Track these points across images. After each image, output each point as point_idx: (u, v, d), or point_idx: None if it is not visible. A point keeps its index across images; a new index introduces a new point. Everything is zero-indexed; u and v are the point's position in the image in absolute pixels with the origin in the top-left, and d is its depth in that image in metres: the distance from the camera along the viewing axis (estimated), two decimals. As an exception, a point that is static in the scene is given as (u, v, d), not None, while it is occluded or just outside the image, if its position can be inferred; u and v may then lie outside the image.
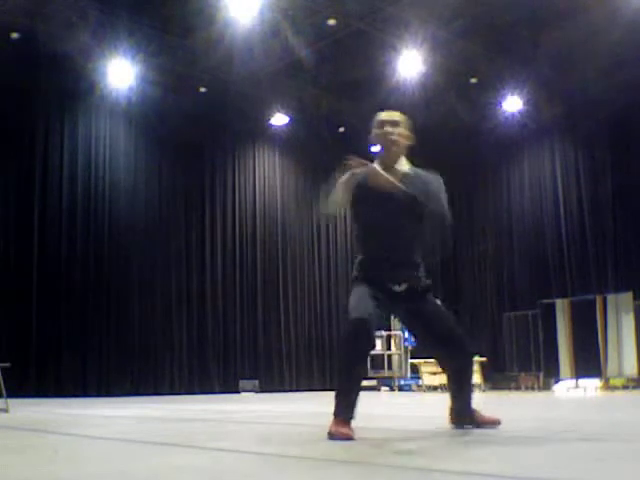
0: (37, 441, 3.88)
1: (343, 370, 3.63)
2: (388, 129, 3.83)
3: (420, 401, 10.07)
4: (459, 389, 3.88)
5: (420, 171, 3.88)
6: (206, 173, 15.44)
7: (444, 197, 3.80)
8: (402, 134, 3.87)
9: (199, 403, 9.33)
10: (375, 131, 3.90)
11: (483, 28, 12.27)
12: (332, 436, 3.34)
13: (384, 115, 3.92)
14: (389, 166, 3.81)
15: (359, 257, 3.89)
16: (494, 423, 3.82)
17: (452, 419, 3.90)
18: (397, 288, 3.72)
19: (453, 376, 3.89)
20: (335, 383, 3.69)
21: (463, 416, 3.85)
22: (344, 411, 3.45)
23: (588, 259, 15.43)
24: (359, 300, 3.64)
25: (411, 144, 3.91)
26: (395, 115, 3.92)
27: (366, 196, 3.74)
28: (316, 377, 16.47)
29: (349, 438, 3.29)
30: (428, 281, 3.86)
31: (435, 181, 3.84)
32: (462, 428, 3.82)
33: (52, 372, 12.17)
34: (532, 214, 16.71)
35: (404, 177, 3.76)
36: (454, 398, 3.89)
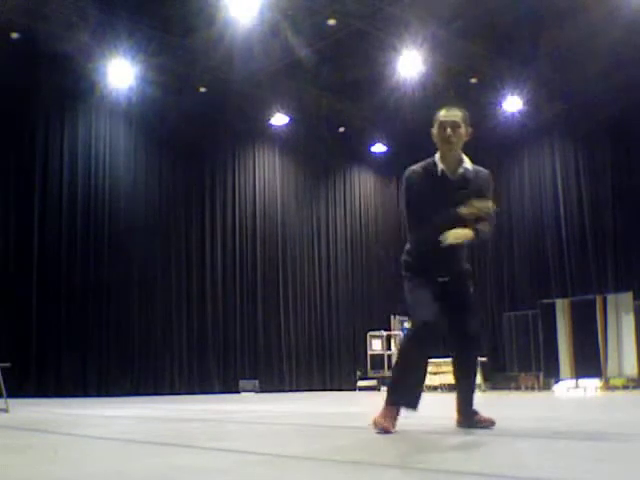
0: (37, 441, 3.88)
1: (400, 366, 3.85)
2: (449, 132, 3.83)
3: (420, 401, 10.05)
4: (463, 387, 3.92)
5: (477, 169, 3.95)
6: (206, 173, 15.44)
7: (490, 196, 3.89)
8: (461, 135, 3.87)
9: (199, 403, 9.32)
10: (436, 130, 3.90)
11: (483, 28, 12.26)
12: (375, 425, 3.64)
13: (444, 115, 3.89)
14: (449, 164, 3.87)
15: (412, 246, 3.97)
16: (490, 423, 3.82)
17: (459, 420, 3.92)
18: (442, 279, 3.86)
19: (461, 375, 3.94)
20: (393, 375, 3.98)
21: (468, 416, 3.88)
22: (391, 405, 3.72)
23: (588, 259, 15.43)
24: (425, 299, 3.76)
25: (468, 139, 3.93)
26: (455, 115, 3.88)
27: (424, 194, 3.82)
28: (316, 377, 16.47)
29: (387, 431, 3.57)
30: (467, 267, 4.00)
31: (486, 181, 3.93)
32: (466, 428, 3.83)
33: (52, 372, 12.17)
34: (532, 214, 16.71)
35: (463, 177, 3.86)
36: (461, 398, 3.92)
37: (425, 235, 3.83)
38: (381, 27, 12.29)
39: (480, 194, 3.78)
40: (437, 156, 3.90)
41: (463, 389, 3.93)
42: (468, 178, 3.86)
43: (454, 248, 3.76)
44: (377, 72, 13.64)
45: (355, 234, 18.25)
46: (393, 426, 3.65)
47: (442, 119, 3.87)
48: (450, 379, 13.92)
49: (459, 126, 3.85)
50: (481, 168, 3.97)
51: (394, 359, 16.13)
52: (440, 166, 3.85)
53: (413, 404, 3.80)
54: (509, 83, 14.44)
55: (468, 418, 3.86)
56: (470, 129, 3.92)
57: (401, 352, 3.94)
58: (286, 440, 3.67)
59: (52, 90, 12.83)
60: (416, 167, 3.90)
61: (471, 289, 4.00)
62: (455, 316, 3.90)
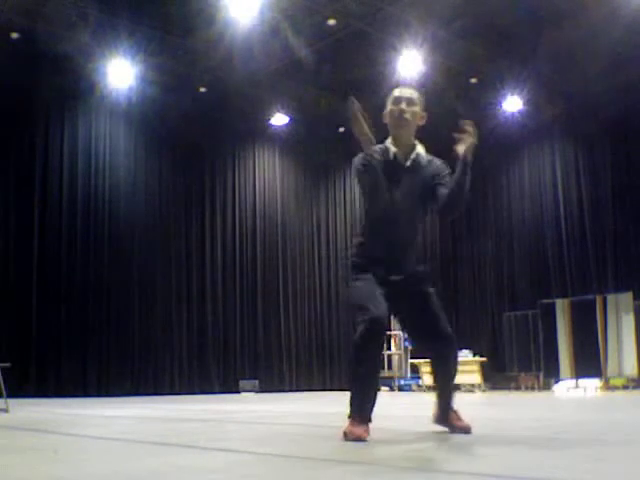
0: (37, 441, 3.88)
1: (356, 371, 3.46)
2: (403, 107, 3.60)
3: (420, 401, 10.06)
4: (441, 387, 3.75)
5: (430, 158, 3.71)
6: (206, 173, 15.44)
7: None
8: (416, 113, 3.65)
9: (199, 403, 9.32)
10: (389, 107, 3.66)
11: (483, 28, 12.26)
12: (346, 436, 3.32)
13: (399, 91, 3.68)
14: (402, 148, 3.63)
15: (359, 240, 3.72)
16: (466, 430, 3.58)
17: (434, 417, 3.80)
18: (395, 278, 3.56)
19: (436, 372, 3.76)
20: (348, 384, 3.56)
21: (444, 415, 3.73)
22: (358, 412, 3.42)
23: (588, 259, 15.43)
24: (370, 294, 3.45)
25: (423, 124, 3.70)
26: (411, 92, 3.68)
27: (376, 182, 3.53)
28: (316, 377, 16.48)
29: (361, 439, 3.26)
30: (423, 269, 3.72)
31: (441, 168, 3.67)
32: (441, 426, 3.72)
33: (52, 372, 12.17)
34: (532, 214, 16.70)
35: (416, 158, 3.63)
36: (437, 396, 3.78)
37: (377, 226, 3.59)
38: (381, 27, 12.29)
39: (431, 183, 3.57)
40: (388, 140, 3.65)
41: (441, 390, 3.75)
42: (421, 165, 3.62)
43: (405, 246, 3.62)
44: (377, 72, 13.63)
45: (355, 234, 18.22)
46: (366, 432, 3.35)
47: (396, 94, 3.65)
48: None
49: (415, 104, 3.64)
50: (435, 158, 3.72)
51: (394, 359, 15.97)
52: (392, 149, 3.61)
53: (366, 414, 3.46)
54: (509, 83, 14.44)
55: (444, 416, 3.70)
56: (425, 113, 3.69)
57: (352, 355, 3.51)
58: (286, 440, 3.67)
59: (52, 90, 12.83)
60: (367, 151, 3.50)
61: (431, 289, 3.68)
62: (421, 318, 3.65)
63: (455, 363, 3.73)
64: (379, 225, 3.63)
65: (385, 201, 3.55)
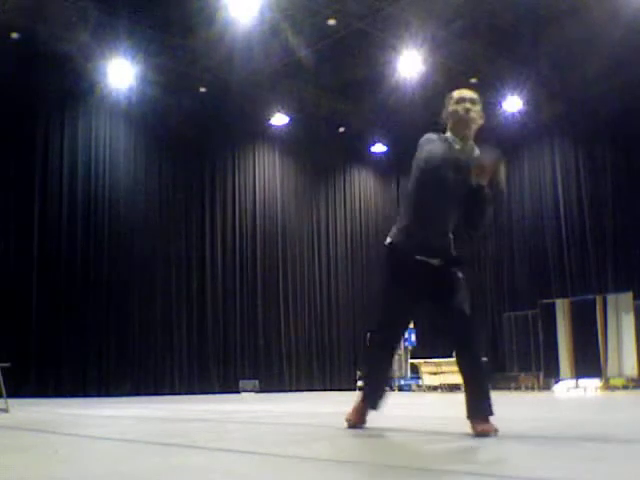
0: (37, 441, 3.88)
1: (364, 366, 4.30)
2: (468, 105, 3.68)
3: (420, 401, 10.06)
4: (465, 384, 3.68)
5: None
6: (206, 173, 15.44)
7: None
8: (479, 113, 3.75)
9: (199, 403, 9.32)
10: (453, 107, 3.72)
11: (483, 28, 12.27)
12: (346, 420, 3.95)
13: (463, 92, 3.77)
14: (464, 144, 3.70)
15: (404, 224, 3.80)
16: (487, 432, 3.46)
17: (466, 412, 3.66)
18: (435, 262, 3.71)
19: (462, 374, 3.71)
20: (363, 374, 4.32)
21: (472, 413, 3.58)
22: (364, 399, 3.95)
23: (588, 259, 15.43)
24: (391, 315, 3.92)
25: (482, 123, 3.79)
26: (473, 93, 3.79)
27: (439, 172, 3.64)
28: (316, 377, 16.47)
29: (354, 426, 3.86)
30: (459, 256, 3.83)
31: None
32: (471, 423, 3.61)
33: (52, 372, 12.17)
34: (532, 214, 16.71)
35: (474, 158, 3.69)
36: (465, 398, 3.66)
37: (427, 214, 3.69)
38: (381, 27, 12.30)
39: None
40: (449, 134, 3.74)
41: (465, 389, 3.67)
42: (473, 161, 3.70)
43: (446, 234, 3.72)
44: (377, 72, 13.64)
45: (355, 234, 18.25)
46: (362, 421, 3.88)
47: (461, 95, 3.75)
48: (450, 379, 13.94)
49: (477, 103, 3.75)
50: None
51: (394, 359, 15.97)
52: (456, 145, 3.68)
53: (373, 404, 3.94)
54: (509, 83, 14.44)
55: (470, 421, 3.56)
56: (484, 116, 3.79)
57: (365, 354, 4.20)
58: (286, 440, 3.67)
59: (52, 90, 12.83)
60: (433, 136, 3.72)
61: (461, 275, 3.78)
62: (445, 303, 3.73)
63: (479, 362, 3.68)
64: (429, 213, 3.71)
65: (441, 192, 3.64)
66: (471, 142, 3.74)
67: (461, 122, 3.69)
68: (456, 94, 3.77)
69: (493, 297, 17.31)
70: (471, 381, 3.63)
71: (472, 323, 3.72)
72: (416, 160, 3.75)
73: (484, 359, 3.89)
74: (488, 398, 3.56)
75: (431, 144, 3.70)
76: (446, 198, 3.66)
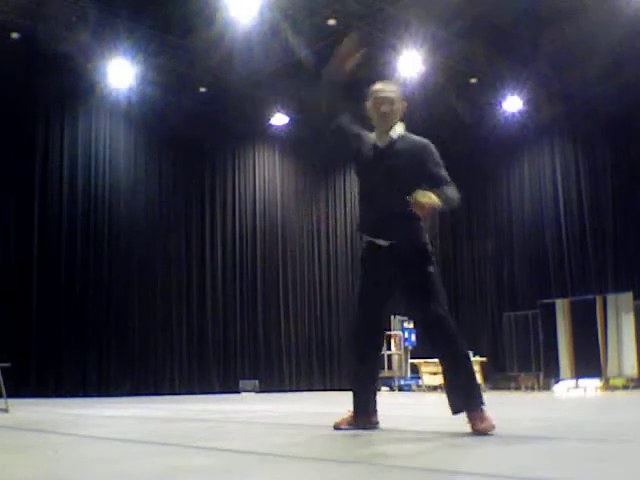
0: (37, 441, 3.88)
1: (350, 368, 4.19)
2: (383, 109, 3.90)
3: (420, 401, 10.06)
4: (447, 378, 3.77)
5: (412, 136, 4.00)
6: (206, 173, 15.44)
7: (441, 164, 3.88)
8: (396, 110, 3.95)
9: (199, 403, 9.32)
10: (370, 105, 3.96)
11: (483, 28, 12.26)
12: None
13: (379, 91, 3.96)
14: (382, 133, 3.96)
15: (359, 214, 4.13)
16: (484, 430, 3.52)
17: (450, 408, 3.77)
18: (382, 242, 3.86)
19: (442, 370, 3.82)
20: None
21: (456, 407, 3.70)
22: (353, 406, 3.97)
23: (588, 259, 15.43)
24: (361, 298, 3.96)
25: (404, 111, 4.00)
26: (391, 91, 3.96)
27: (360, 163, 4.04)
28: (316, 377, 16.47)
29: (337, 427, 3.90)
30: (422, 241, 3.87)
31: (422, 150, 3.92)
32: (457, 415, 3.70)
33: (52, 372, 12.17)
34: (532, 214, 16.71)
35: (392, 145, 3.92)
36: (445, 386, 3.82)
37: (364, 201, 3.99)
38: (381, 27, 12.29)
39: (414, 163, 3.83)
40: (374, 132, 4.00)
41: (451, 381, 3.78)
42: (399, 148, 3.91)
43: (391, 217, 3.82)
44: (377, 72, 13.61)
45: (355, 234, 18.23)
46: (347, 424, 3.92)
47: (377, 95, 3.94)
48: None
49: (393, 103, 3.93)
50: (420, 138, 3.98)
51: (394, 359, 15.94)
52: (372, 137, 3.98)
53: (363, 420, 3.94)
54: (509, 83, 14.44)
55: (467, 415, 3.63)
56: (405, 103, 3.99)
57: (349, 370, 4.20)
58: (286, 440, 3.67)
59: (52, 90, 12.82)
60: (357, 131, 4.04)
61: (429, 268, 3.80)
62: (411, 302, 3.85)
63: (460, 358, 3.72)
64: (365, 200, 4.01)
65: (368, 180, 3.98)
66: (394, 129, 3.96)
67: (379, 122, 3.95)
68: (374, 91, 3.97)
69: (493, 297, 17.31)
70: (461, 374, 3.71)
71: (446, 320, 3.73)
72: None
73: (468, 351, 3.91)
74: (479, 389, 3.72)
75: (357, 140, 4.02)
76: (376, 185, 3.91)
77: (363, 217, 4.04)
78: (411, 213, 3.67)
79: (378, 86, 3.98)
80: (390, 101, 3.93)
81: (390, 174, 3.85)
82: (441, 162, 3.89)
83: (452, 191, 3.76)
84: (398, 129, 3.98)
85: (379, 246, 3.88)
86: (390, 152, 3.91)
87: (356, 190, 4.23)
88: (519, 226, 16.95)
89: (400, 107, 3.98)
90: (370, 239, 3.93)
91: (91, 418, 6.12)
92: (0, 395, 6.58)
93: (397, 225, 3.83)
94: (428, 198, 3.52)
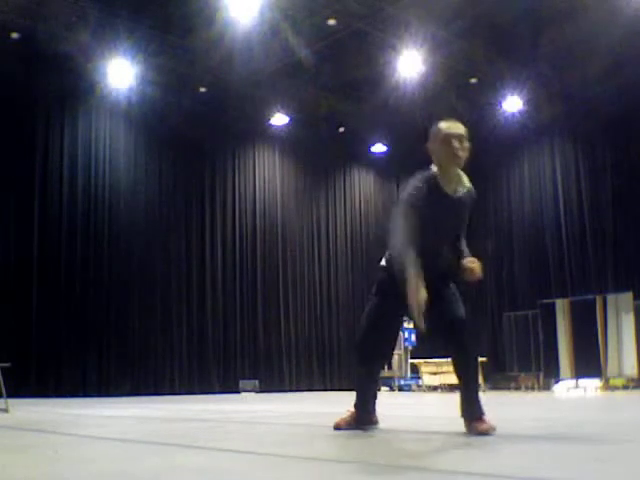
0: (37, 441, 3.88)
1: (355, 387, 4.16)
2: (456, 145, 3.62)
3: (420, 401, 10.06)
4: (461, 384, 3.78)
5: (469, 189, 3.83)
6: (206, 173, 15.44)
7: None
8: (467, 149, 3.69)
9: (199, 403, 9.32)
10: (439, 146, 3.65)
11: (483, 28, 12.26)
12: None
13: (450, 128, 3.68)
14: (451, 183, 3.71)
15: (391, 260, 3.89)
16: (487, 431, 3.55)
17: (460, 411, 3.78)
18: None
19: (456, 374, 3.82)
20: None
21: (466, 420, 3.71)
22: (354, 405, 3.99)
23: (588, 259, 15.43)
24: (372, 317, 3.95)
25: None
26: (461, 128, 3.70)
27: (432, 214, 3.65)
28: (316, 377, 16.47)
29: (337, 427, 3.91)
30: (451, 270, 3.90)
31: (473, 202, 3.89)
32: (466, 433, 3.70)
33: (52, 372, 12.17)
34: (532, 214, 16.71)
35: (460, 199, 3.77)
36: (460, 392, 3.80)
37: (406, 257, 3.52)
38: (381, 27, 12.29)
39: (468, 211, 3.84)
40: (436, 171, 3.68)
41: (460, 389, 3.80)
42: (464, 200, 3.78)
43: (435, 254, 3.77)
44: (377, 72, 13.63)
45: (355, 234, 18.24)
46: (346, 424, 3.93)
47: (449, 131, 3.64)
48: (450, 379, 13.94)
49: (464, 140, 3.66)
50: (471, 187, 3.83)
51: (394, 359, 15.90)
52: (440, 183, 3.66)
53: (362, 423, 3.96)
54: (509, 83, 14.44)
55: (466, 421, 3.67)
56: (470, 148, 3.74)
57: (354, 377, 4.27)
58: (286, 440, 3.67)
59: (52, 90, 12.82)
60: (419, 183, 3.63)
61: (452, 284, 3.88)
62: (437, 306, 3.73)
63: (467, 359, 3.76)
64: (423, 249, 3.58)
65: (430, 230, 3.61)
66: (459, 178, 3.76)
67: (450, 162, 3.65)
68: (444, 129, 3.67)
69: (493, 297, 17.31)
70: (470, 382, 3.76)
71: (465, 324, 3.77)
72: (403, 196, 3.71)
73: (479, 359, 3.95)
74: (479, 397, 3.74)
75: (416, 185, 3.64)
76: (433, 232, 3.68)
77: (398, 269, 3.79)
78: (451, 257, 3.82)
79: (444, 124, 3.69)
80: (462, 138, 3.66)
81: (452, 223, 3.84)
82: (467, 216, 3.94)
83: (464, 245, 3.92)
84: (466, 179, 3.79)
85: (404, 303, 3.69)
86: (459, 200, 3.76)
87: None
88: (519, 226, 16.95)
89: (468, 147, 3.72)
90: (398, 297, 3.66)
91: (91, 418, 6.11)
92: (0, 395, 6.58)
93: (436, 261, 3.80)
94: (477, 266, 3.67)
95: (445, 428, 3.89)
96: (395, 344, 4.40)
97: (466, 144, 3.67)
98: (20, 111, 12.54)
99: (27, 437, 4.21)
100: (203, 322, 14.73)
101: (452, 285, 3.89)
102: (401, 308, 3.80)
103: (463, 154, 3.65)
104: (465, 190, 3.79)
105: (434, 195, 3.62)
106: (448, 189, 3.69)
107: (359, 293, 17.75)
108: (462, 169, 3.80)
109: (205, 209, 15.29)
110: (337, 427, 3.94)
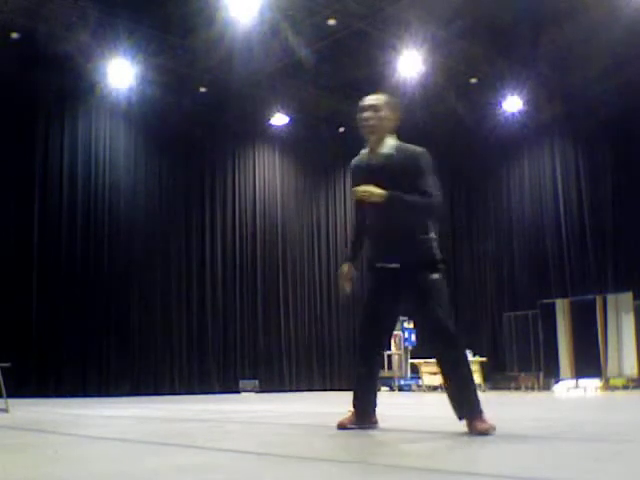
0: (37, 441, 3.88)
1: (353, 385, 4.19)
2: (367, 114, 3.83)
3: (420, 401, 10.06)
4: (449, 384, 3.80)
5: (407, 147, 3.82)
6: (206, 173, 15.44)
7: (431, 179, 3.74)
8: (384, 118, 3.82)
9: (199, 403, 9.32)
10: (357, 117, 3.90)
11: (483, 28, 12.26)
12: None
13: (364, 100, 3.91)
14: (373, 149, 3.87)
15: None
16: (486, 430, 3.55)
17: (456, 414, 3.78)
18: (394, 265, 3.81)
19: (443, 375, 3.84)
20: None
21: (459, 412, 3.72)
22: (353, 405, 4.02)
23: (588, 259, 15.42)
24: (365, 317, 4.04)
25: (397, 123, 3.89)
26: (376, 99, 3.88)
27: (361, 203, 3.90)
28: (316, 377, 16.47)
29: (341, 427, 3.93)
30: (430, 257, 3.84)
31: (413, 159, 3.77)
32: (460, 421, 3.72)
33: (52, 372, 12.17)
34: (532, 214, 16.70)
35: (387, 159, 3.79)
36: (447, 391, 3.83)
37: (368, 226, 3.98)
38: (381, 27, 12.29)
39: (404, 173, 3.69)
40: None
41: (448, 390, 3.82)
42: (391, 161, 3.76)
43: (395, 237, 3.76)
44: (377, 72, 13.63)
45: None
46: (350, 423, 3.96)
47: (361, 104, 3.88)
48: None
49: (379, 109, 3.82)
50: (413, 147, 3.81)
51: (394, 359, 15.94)
52: (366, 153, 3.90)
53: (362, 420, 3.99)
54: (509, 83, 14.43)
55: (467, 421, 3.66)
56: (398, 114, 3.88)
57: (353, 376, 4.26)
58: (286, 440, 3.67)
59: (52, 90, 12.82)
60: (350, 166, 4.03)
61: (434, 276, 3.79)
62: (421, 313, 3.84)
63: (461, 364, 3.76)
64: (369, 228, 3.99)
65: (372, 211, 3.84)
66: (384, 143, 3.81)
67: (364, 133, 3.86)
68: (360, 102, 3.90)
69: (493, 297, 17.30)
70: (462, 381, 3.75)
71: (449, 328, 3.73)
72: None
73: (470, 359, 3.97)
74: (477, 395, 3.73)
75: (351, 176, 4.04)
76: (375, 208, 3.74)
77: (372, 245, 3.97)
78: (415, 229, 3.75)
79: (365, 98, 3.93)
80: (375, 108, 3.81)
81: (385, 188, 3.70)
82: (427, 171, 3.73)
83: (416, 199, 3.66)
84: (389, 142, 3.82)
85: (391, 269, 3.81)
86: (384, 170, 3.74)
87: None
88: (519, 226, 16.94)
89: (391, 116, 3.83)
90: (381, 265, 3.86)
91: (91, 418, 6.11)
92: (0, 395, 6.58)
93: (405, 245, 3.78)
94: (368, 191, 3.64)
95: (445, 428, 3.89)
96: (389, 342, 4.47)
97: (381, 113, 3.80)
98: (20, 111, 12.54)
99: (27, 437, 4.21)
100: (203, 322, 14.73)
101: (435, 276, 3.80)
102: (393, 304, 3.91)
103: (367, 123, 3.81)
104: (383, 157, 3.80)
105: (358, 171, 3.92)
106: (372, 156, 3.86)
107: (359, 293, 17.72)
108: (389, 137, 3.84)
109: (205, 209, 15.29)
110: (341, 427, 3.95)
